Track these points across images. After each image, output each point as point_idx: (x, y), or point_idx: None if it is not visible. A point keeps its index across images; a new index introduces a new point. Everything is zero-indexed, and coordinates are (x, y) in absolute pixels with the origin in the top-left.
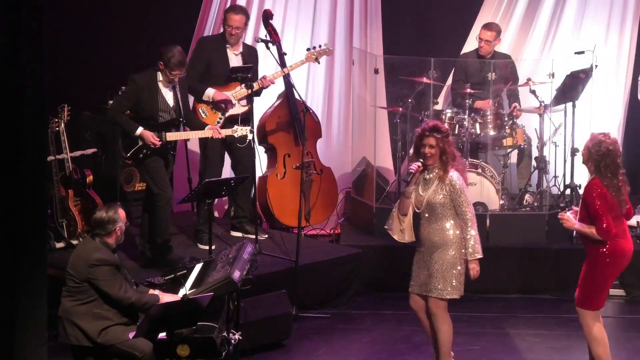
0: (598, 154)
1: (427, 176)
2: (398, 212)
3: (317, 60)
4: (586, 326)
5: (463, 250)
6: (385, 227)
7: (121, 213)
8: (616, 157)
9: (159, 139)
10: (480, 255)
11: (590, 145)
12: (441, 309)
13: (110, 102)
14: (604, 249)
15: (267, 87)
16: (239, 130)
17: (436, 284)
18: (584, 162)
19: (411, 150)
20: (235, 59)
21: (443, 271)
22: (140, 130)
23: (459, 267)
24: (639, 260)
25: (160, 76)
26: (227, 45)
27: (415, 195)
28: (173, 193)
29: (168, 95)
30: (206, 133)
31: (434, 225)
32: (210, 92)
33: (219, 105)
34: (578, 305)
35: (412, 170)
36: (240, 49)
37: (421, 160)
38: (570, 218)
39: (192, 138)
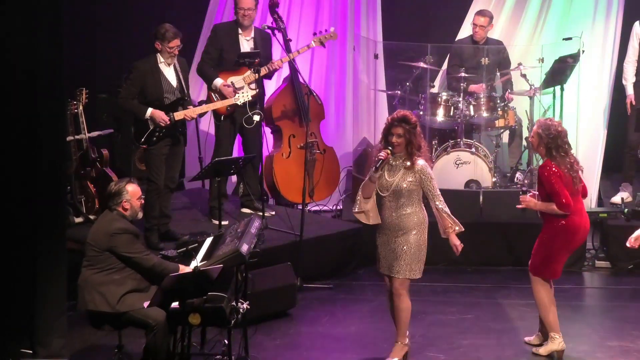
0: (549, 137)
1: (393, 163)
2: (362, 195)
3: (322, 44)
4: (536, 292)
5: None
6: (353, 210)
7: (130, 188)
8: (565, 137)
9: (169, 118)
10: (462, 228)
11: (540, 131)
12: (405, 289)
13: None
14: (561, 223)
15: (275, 71)
16: (241, 98)
17: (403, 266)
18: (534, 149)
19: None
20: (246, 44)
21: (411, 253)
22: (149, 111)
23: (423, 249)
24: (623, 233)
25: (160, 58)
26: (240, 32)
27: (381, 181)
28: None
29: (171, 76)
30: (208, 107)
31: (399, 210)
32: (217, 83)
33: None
34: (531, 272)
35: (382, 157)
36: (252, 34)
37: (390, 148)
38: (530, 199)
39: (199, 114)
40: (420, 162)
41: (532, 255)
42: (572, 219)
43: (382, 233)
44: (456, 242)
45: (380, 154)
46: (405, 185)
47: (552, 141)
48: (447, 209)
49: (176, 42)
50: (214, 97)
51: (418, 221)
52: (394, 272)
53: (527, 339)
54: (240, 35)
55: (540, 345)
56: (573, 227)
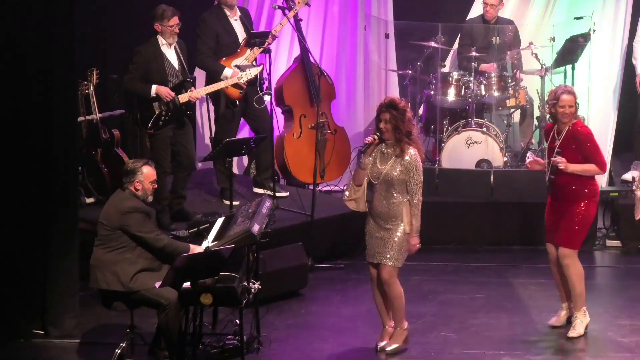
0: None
1: (385, 150)
2: (353, 183)
3: (307, 3)
4: (572, 265)
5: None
6: (343, 198)
7: (145, 169)
8: None
9: (174, 92)
10: (417, 232)
11: (574, 97)
12: (395, 276)
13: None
14: (592, 187)
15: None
16: (244, 76)
17: (392, 253)
18: (571, 117)
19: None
20: (237, 25)
21: (400, 241)
22: (154, 88)
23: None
24: (633, 212)
25: (161, 40)
26: (228, 14)
27: (373, 168)
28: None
29: (173, 59)
30: (212, 88)
31: (390, 199)
32: (227, 73)
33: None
34: (567, 246)
35: (367, 142)
36: (238, 13)
37: (378, 133)
38: (565, 160)
39: (203, 95)
40: (412, 151)
41: (562, 230)
42: (596, 182)
43: (372, 221)
44: (415, 242)
45: (367, 138)
46: (395, 174)
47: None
48: (418, 209)
49: (175, 20)
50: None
51: (408, 210)
52: (383, 260)
53: (552, 322)
54: (229, 18)
55: (568, 322)
56: (597, 189)
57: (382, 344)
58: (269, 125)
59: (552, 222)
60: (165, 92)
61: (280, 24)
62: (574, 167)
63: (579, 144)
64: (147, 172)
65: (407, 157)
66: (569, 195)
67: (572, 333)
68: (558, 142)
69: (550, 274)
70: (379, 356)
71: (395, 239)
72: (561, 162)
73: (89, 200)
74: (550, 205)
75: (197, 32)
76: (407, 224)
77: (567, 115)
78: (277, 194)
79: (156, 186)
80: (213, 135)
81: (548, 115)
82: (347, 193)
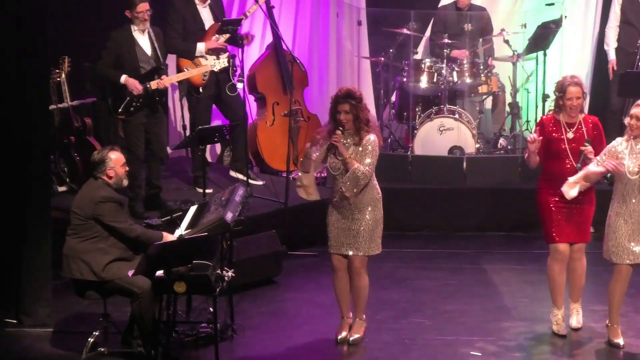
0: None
1: (344, 141)
2: (300, 170)
3: None
4: (584, 259)
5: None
6: (295, 185)
7: (113, 155)
8: None
9: (142, 87)
10: (348, 194)
11: (585, 90)
12: (365, 266)
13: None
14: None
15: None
16: (217, 64)
17: (362, 243)
18: (580, 108)
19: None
20: (205, 12)
21: (370, 230)
22: (124, 78)
23: (380, 224)
24: (605, 197)
25: (134, 27)
26: (197, 1)
27: (334, 160)
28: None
29: (145, 45)
30: (185, 75)
31: (358, 191)
32: (201, 47)
33: (203, 61)
34: (585, 241)
35: (335, 141)
36: (208, 1)
37: (340, 128)
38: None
39: (175, 82)
40: (371, 137)
41: (582, 226)
42: None
43: (336, 212)
44: (347, 196)
45: (334, 137)
46: (357, 164)
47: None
48: (360, 172)
49: (144, 7)
50: (184, 68)
51: (373, 197)
52: (353, 250)
53: (574, 325)
54: (198, 5)
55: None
56: None
57: (342, 335)
58: (242, 113)
59: (568, 221)
60: (133, 85)
61: (249, 11)
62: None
63: (599, 137)
64: (116, 158)
65: (364, 142)
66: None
67: (579, 323)
68: (571, 134)
69: (523, 259)
70: (343, 347)
71: (365, 228)
72: (592, 152)
73: (61, 188)
74: (557, 202)
75: (167, 17)
76: (348, 186)
77: (575, 108)
78: (252, 182)
79: (127, 168)
80: (190, 124)
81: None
82: (297, 180)
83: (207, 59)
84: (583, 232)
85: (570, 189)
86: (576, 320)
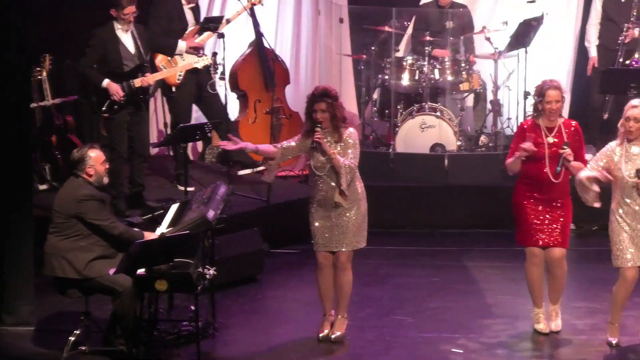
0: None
1: (325, 140)
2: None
3: (260, 2)
4: (565, 264)
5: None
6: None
7: (92, 153)
8: None
9: (126, 90)
10: (344, 185)
11: (563, 94)
12: (350, 262)
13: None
14: (569, 187)
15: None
16: (201, 61)
17: (350, 238)
18: (561, 108)
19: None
20: (189, 13)
21: (357, 225)
22: (106, 82)
23: (366, 217)
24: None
25: (117, 25)
26: (183, 2)
27: (315, 159)
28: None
29: (129, 43)
30: (169, 72)
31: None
32: (182, 45)
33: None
34: (564, 246)
35: (319, 138)
36: (194, 3)
37: (318, 125)
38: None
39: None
40: (351, 129)
41: (559, 231)
42: None
43: (321, 209)
44: (340, 200)
45: (316, 135)
46: (342, 160)
47: None
48: (347, 167)
49: (131, 9)
50: (161, 68)
51: (357, 193)
52: (341, 246)
53: (553, 329)
54: (183, 5)
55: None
56: None
57: (324, 332)
58: (222, 111)
59: (542, 224)
60: (115, 90)
61: (237, 12)
62: (575, 163)
63: (578, 141)
64: (95, 156)
65: (345, 137)
66: (560, 191)
67: (558, 326)
68: (551, 139)
69: (505, 257)
70: (325, 345)
71: (353, 223)
72: (571, 155)
73: (42, 187)
74: (534, 205)
75: (152, 12)
76: (343, 183)
77: (554, 112)
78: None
79: (108, 166)
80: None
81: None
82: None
83: (184, 59)
84: (563, 238)
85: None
86: (554, 324)
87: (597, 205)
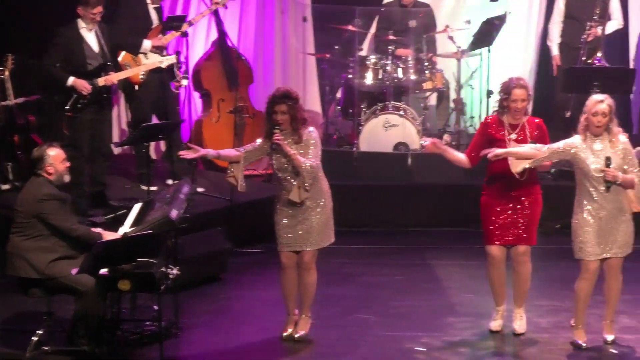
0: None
1: (285, 141)
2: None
3: (224, 5)
4: (529, 262)
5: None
6: (226, 175)
7: (51, 152)
8: None
9: (90, 86)
10: (309, 192)
11: (530, 92)
12: (314, 261)
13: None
14: (538, 183)
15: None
16: (165, 60)
17: (315, 238)
18: (526, 107)
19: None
20: (153, 12)
21: (322, 224)
22: (71, 79)
23: (331, 215)
24: (550, 193)
25: (82, 23)
26: (147, 1)
27: (277, 161)
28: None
29: (93, 42)
30: (132, 71)
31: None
32: (147, 44)
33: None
34: (529, 244)
35: (278, 140)
36: (158, 3)
37: (277, 127)
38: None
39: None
40: (310, 128)
41: (524, 228)
42: None
43: (285, 209)
44: (294, 198)
45: (275, 136)
46: (303, 160)
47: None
48: (309, 166)
49: (99, 9)
50: (124, 65)
51: (322, 191)
52: (305, 245)
53: (495, 327)
54: (148, 4)
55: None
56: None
57: (288, 332)
58: (177, 113)
59: (505, 223)
60: (82, 85)
61: (202, 14)
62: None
63: (542, 138)
64: (54, 154)
65: (304, 137)
66: (527, 188)
67: (522, 329)
68: (514, 136)
69: (468, 255)
70: (289, 344)
71: (318, 222)
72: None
73: (5, 186)
74: (498, 204)
75: (118, 11)
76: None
77: (520, 110)
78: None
79: (69, 164)
80: (129, 121)
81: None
82: (229, 170)
83: (147, 58)
84: (528, 235)
85: (516, 167)
86: (519, 326)
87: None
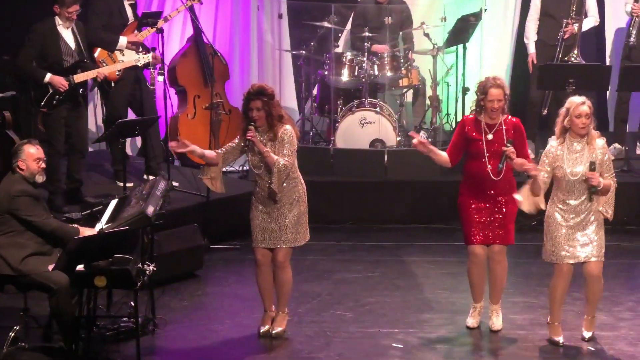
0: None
1: (260, 138)
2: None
3: (200, 1)
4: (505, 260)
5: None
6: (199, 176)
7: (27, 148)
8: None
9: (67, 83)
10: (276, 190)
11: (507, 91)
12: (288, 259)
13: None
14: (514, 182)
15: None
16: (142, 59)
17: (289, 235)
18: (503, 109)
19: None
20: (129, 9)
21: (295, 222)
22: (48, 76)
23: (305, 215)
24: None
25: (58, 20)
26: None
27: (252, 158)
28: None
29: (69, 39)
30: (109, 68)
31: (282, 184)
32: (123, 41)
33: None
34: (505, 243)
35: (251, 137)
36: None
37: (252, 123)
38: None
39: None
40: (287, 127)
41: (500, 227)
42: None
43: (261, 206)
44: (273, 196)
45: (249, 133)
46: (276, 158)
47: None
48: (282, 165)
49: (75, 8)
50: (101, 63)
51: (297, 190)
52: (278, 243)
53: (472, 324)
54: (124, 1)
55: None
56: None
57: (264, 328)
58: (155, 107)
59: (484, 222)
60: (59, 82)
61: (178, 10)
62: (518, 160)
63: (520, 138)
64: (29, 151)
65: (279, 134)
66: (504, 188)
67: (498, 326)
68: (491, 136)
69: (443, 252)
70: (266, 341)
71: (291, 220)
72: (514, 152)
73: None
74: (476, 203)
75: (93, 7)
76: (275, 181)
77: (496, 110)
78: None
79: (43, 165)
80: (104, 117)
81: (472, 105)
82: (202, 171)
83: (123, 54)
84: (504, 233)
85: (526, 207)
86: (495, 323)
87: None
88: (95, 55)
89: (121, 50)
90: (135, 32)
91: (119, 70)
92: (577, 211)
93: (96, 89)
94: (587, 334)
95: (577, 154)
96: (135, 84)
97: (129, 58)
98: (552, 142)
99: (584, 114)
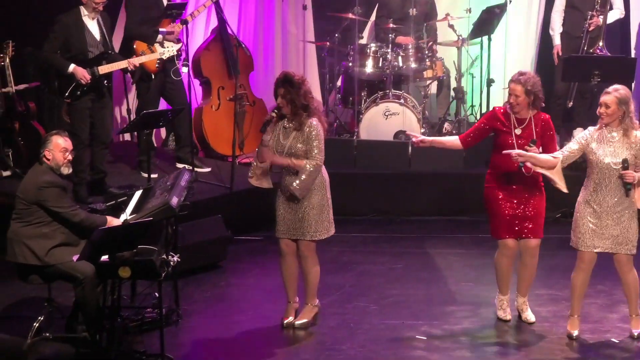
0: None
1: (287, 125)
2: (256, 160)
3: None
4: (537, 254)
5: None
6: (248, 176)
7: (55, 139)
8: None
9: (90, 75)
10: (297, 193)
11: (529, 87)
12: (312, 251)
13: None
14: (540, 179)
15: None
16: (166, 52)
17: (308, 228)
18: (521, 103)
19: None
20: (161, 2)
21: (315, 215)
22: (72, 67)
23: (326, 208)
24: (548, 182)
25: (84, 11)
26: None
27: (277, 143)
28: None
29: (94, 30)
30: (134, 61)
31: (308, 188)
32: (160, 36)
33: (157, 47)
34: (537, 237)
35: (266, 119)
36: None
37: (276, 109)
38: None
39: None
40: (313, 122)
41: (532, 221)
42: None
43: (283, 196)
44: (294, 192)
45: (268, 115)
46: (300, 146)
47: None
48: (308, 172)
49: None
50: (140, 54)
51: (319, 181)
52: (299, 235)
53: (505, 316)
54: None
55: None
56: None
57: (288, 319)
58: (185, 98)
59: (516, 216)
60: (82, 74)
61: (204, 5)
62: (542, 156)
63: (548, 135)
64: (57, 142)
65: (306, 128)
66: (532, 182)
67: (533, 318)
68: (519, 130)
69: (467, 244)
70: (289, 332)
71: (311, 213)
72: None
73: (6, 173)
74: (506, 196)
75: (130, 1)
76: (297, 183)
77: (514, 105)
78: (198, 169)
79: (70, 157)
80: (136, 109)
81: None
82: (250, 171)
83: (163, 46)
84: (535, 227)
85: (563, 186)
86: (530, 316)
87: (564, 190)
88: (136, 47)
89: (160, 43)
90: (172, 24)
91: (158, 63)
92: (608, 200)
93: (120, 80)
94: (635, 332)
95: (612, 144)
96: (164, 75)
97: (170, 49)
98: (590, 128)
99: (603, 103)
